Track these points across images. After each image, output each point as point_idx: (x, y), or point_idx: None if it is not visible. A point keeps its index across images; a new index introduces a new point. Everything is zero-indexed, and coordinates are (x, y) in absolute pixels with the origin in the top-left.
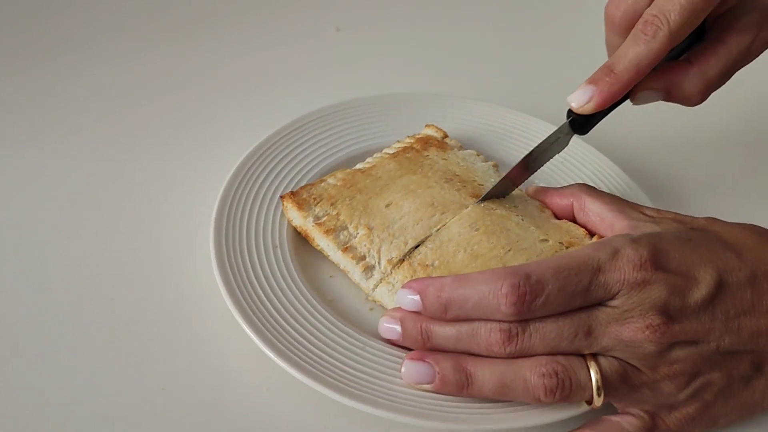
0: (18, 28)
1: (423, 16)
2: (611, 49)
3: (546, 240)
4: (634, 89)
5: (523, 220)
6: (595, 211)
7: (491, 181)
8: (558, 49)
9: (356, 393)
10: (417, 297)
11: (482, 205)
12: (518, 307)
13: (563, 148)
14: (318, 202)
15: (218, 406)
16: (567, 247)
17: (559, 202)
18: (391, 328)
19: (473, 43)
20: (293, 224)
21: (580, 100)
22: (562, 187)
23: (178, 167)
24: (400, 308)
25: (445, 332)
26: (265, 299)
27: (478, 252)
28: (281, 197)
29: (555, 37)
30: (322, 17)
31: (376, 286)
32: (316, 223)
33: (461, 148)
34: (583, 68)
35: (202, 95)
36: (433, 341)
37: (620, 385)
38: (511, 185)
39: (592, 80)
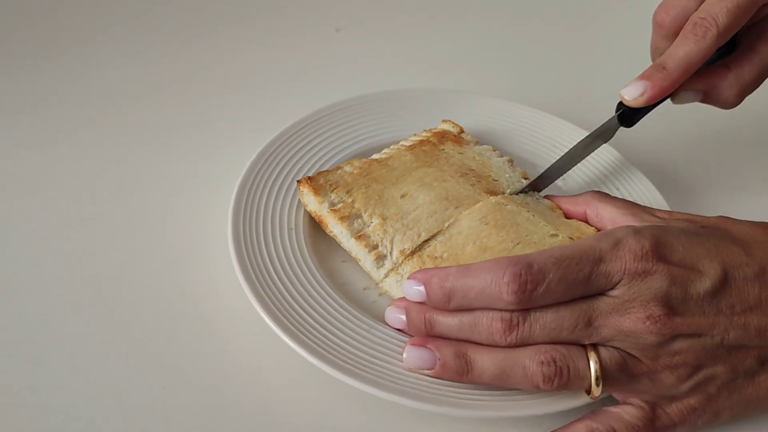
0: (19, 27)
1: (422, 15)
2: (656, 53)
3: (556, 235)
4: (675, 89)
5: (533, 216)
6: (607, 216)
7: (506, 176)
8: (562, 44)
9: (364, 375)
10: (422, 287)
11: (493, 200)
12: (519, 295)
13: (609, 139)
14: (334, 189)
15: (222, 401)
16: None
17: (572, 209)
18: (396, 317)
19: (474, 41)
20: (308, 209)
21: (633, 94)
22: (574, 196)
23: (181, 166)
24: (403, 298)
25: (447, 322)
26: (277, 280)
27: (487, 245)
28: (298, 182)
29: (558, 33)
30: (322, 17)
31: (386, 275)
32: (331, 210)
33: (477, 143)
34: (583, 65)
35: (203, 95)
36: (436, 330)
37: (619, 374)
38: (557, 174)
39: (645, 76)
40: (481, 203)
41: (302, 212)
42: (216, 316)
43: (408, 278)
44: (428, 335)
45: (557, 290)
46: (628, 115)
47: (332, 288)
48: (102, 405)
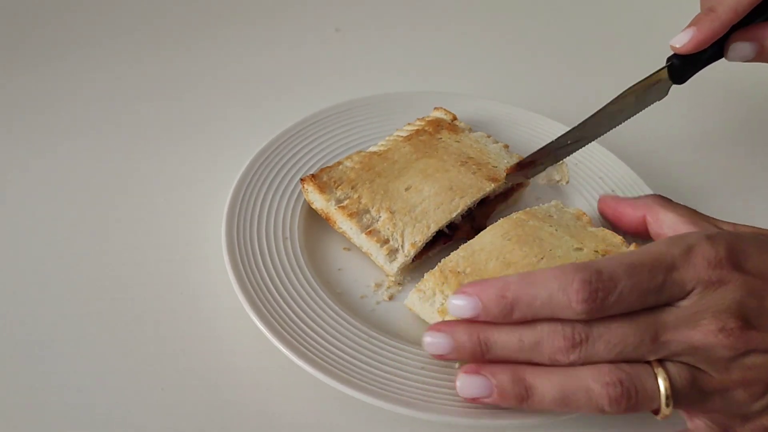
0: (22, 32)
1: (422, 16)
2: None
3: (581, 249)
4: (728, 42)
5: (556, 230)
6: (668, 223)
7: (504, 162)
8: (559, 46)
9: (366, 387)
10: (475, 300)
11: (514, 216)
12: (590, 303)
13: (662, 98)
14: (338, 185)
15: (220, 402)
16: (603, 255)
17: (631, 213)
18: (439, 342)
19: (473, 42)
20: (314, 206)
21: (683, 40)
22: (635, 198)
23: (183, 167)
24: (444, 322)
25: (505, 341)
26: (273, 290)
27: (510, 260)
28: (301, 180)
29: (556, 35)
30: (321, 17)
31: (400, 268)
32: (338, 206)
33: (471, 130)
34: (580, 65)
35: (206, 97)
36: (493, 352)
37: (690, 392)
38: (601, 128)
39: (693, 22)
40: (502, 220)
41: (297, 221)
42: (216, 317)
43: (455, 292)
44: (483, 358)
45: (629, 299)
46: (678, 69)
47: (330, 298)
48: (102, 405)
